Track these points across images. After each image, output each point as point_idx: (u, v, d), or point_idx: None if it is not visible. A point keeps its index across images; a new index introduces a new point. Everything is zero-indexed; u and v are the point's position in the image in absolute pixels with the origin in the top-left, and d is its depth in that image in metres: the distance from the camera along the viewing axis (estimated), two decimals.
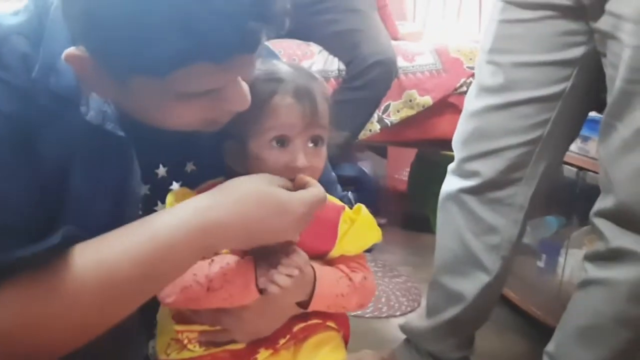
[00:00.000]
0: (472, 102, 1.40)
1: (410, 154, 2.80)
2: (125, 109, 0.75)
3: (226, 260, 0.76)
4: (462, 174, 1.41)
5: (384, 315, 1.87)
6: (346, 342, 0.88)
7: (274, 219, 0.70)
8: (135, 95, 0.70)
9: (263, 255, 0.76)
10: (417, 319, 1.57)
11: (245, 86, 0.75)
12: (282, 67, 0.82)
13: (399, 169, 3.08)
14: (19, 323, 0.65)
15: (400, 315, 1.87)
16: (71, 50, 0.68)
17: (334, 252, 0.84)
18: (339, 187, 0.97)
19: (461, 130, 1.43)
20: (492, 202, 1.38)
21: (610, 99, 1.19)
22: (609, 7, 1.15)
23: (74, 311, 0.66)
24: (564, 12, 1.24)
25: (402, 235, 2.52)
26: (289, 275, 0.73)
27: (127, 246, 0.66)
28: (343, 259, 0.85)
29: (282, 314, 0.82)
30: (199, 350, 0.79)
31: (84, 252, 0.67)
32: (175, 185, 0.85)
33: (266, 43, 0.88)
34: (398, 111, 2.19)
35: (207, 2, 0.61)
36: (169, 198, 0.79)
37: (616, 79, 1.16)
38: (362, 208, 0.86)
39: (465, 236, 1.41)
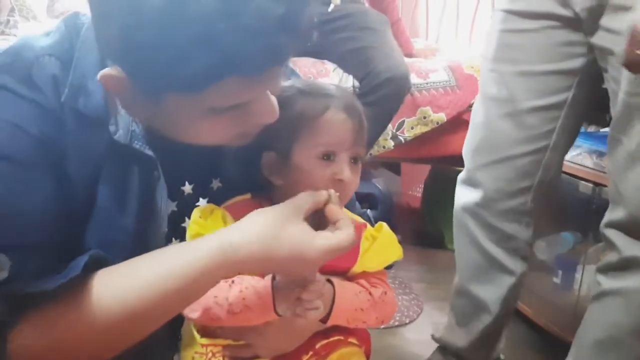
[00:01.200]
0: (478, 112, 1.43)
1: (424, 170, 2.81)
2: (156, 126, 0.76)
3: (245, 283, 0.76)
4: (473, 183, 1.44)
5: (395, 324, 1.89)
6: (367, 357, 0.88)
7: (293, 264, 0.70)
8: (169, 112, 0.71)
9: (282, 277, 0.77)
10: (449, 330, 1.59)
11: (273, 99, 0.75)
12: (325, 84, 0.85)
13: (412, 185, 3.08)
14: (46, 346, 0.67)
15: (398, 325, 1.89)
16: (107, 71, 0.69)
17: (356, 269, 0.85)
18: (357, 204, 0.98)
19: (470, 140, 1.46)
20: (506, 213, 1.41)
21: (614, 113, 1.20)
22: (603, 22, 1.18)
23: (100, 335, 0.68)
24: (564, 23, 1.26)
25: (416, 252, 2.51)
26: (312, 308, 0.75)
27: (153, 280, 0.68)
28: (364, 275, 0.86)
29: (304, 331, 0.83)
30: None
31: (110, 281, 0.69)
32: (201, 202, 0.86)
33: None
34: (412, 128, 2.20)
35: (236, 19, 0.61)
36: (195, 214, 0.79)
37: (619, 94, 1.18)
38: (383, 225, 0.88)
39: (485, 246, 1.45)
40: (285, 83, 0.83)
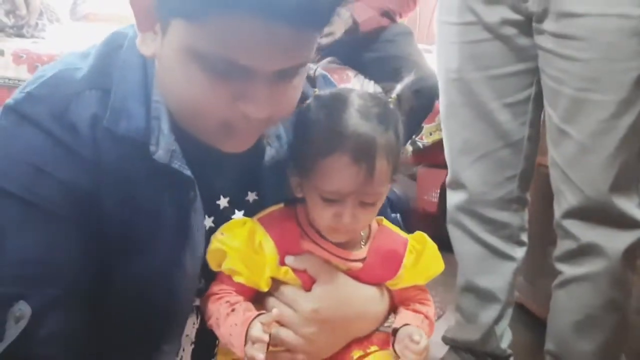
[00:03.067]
0: (449, 120, 1.55)
1: (440, 175, 2.82)
2: (165, 87, 0.73)
3: (238, 318, 0.77)
4: (460, 184, 1.56)
5: None
6: None
7: None
8: (172, 49, 0.69)
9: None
10: (459, 328, 1.66)
11: (287, 97, 0.72)
12: (351, 110, 0.75)
13: (428, 191, 3.09)
14: None
15: None
16: None
17: (402, 283, 0.86)
18: (388, 210, 0.97)
19: (449, 146, 1.57)
20: (496, 202, 1.53)
21: (557, 108, 1.33)
22: (549, 27, 1.29)
23: None
24: (517, 28, 1.37)
25: None
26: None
27: None
28: (416, 289, 0.88)
29: (347, 338, 0.84)
30: None
31: None
32: (237, 215, 0.85)
33: (321, 71, 0.89)
34: (431, 134, 2.24)
35: None
36: (221, 227, 0.81)
37: (563, 90, 1.30)
38: (426, 238, 0.88)
39: (483, 237, 1.56)
40: (315, 96, 0.80)
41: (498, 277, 1.58)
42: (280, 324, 0.80)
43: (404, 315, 0.86)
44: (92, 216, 0.72)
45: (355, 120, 0.74)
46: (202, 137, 0.75)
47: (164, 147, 0.74)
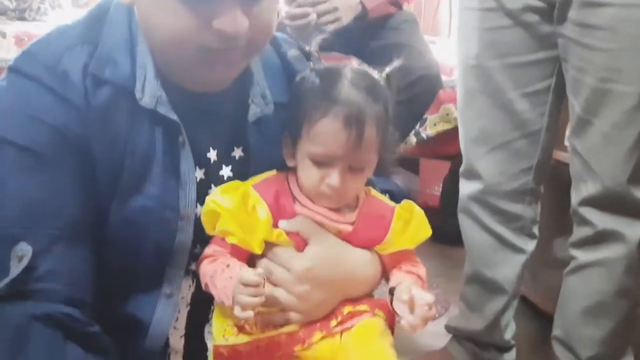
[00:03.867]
0: (466, 107, 1.52)
1: (443, 169, 2.82)
2: (146, 31, 0.77)
3: (234, 272, 0.79)
4: (474, 174, 1.53)
5: None
6: (392, 330, 0.90)
7: None
8: None
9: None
10: (463, 317, 1.65)
11: (260, 19, 0.75)
12: (344, 81, 0.81)
13: (431, 184, 3.09)
14: None
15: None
16: None
17: (391, 247, 0.88)
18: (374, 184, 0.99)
19: (465, 134, 1.54)
20: (510, 194, 1.50)
21: (579, 97, 1.31)
22: (572, 15, 1.27)
23: None
24: (539, 15, 1.34)
25: (434, 249, 2.53)
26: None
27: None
28: (406, 254, 0.89)
29: (339, 297, 0.85)
30: (256, 333, 0.82)
31: None
32: (225, 170, 0.88)
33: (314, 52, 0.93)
34: (435, 125, 2.23)
35: None
36: (218, 188, 0.84)
37: (585, 80, 1.29)
38: (413, 205, 0.90)
39: (494, 228, 1.53)
40: (311, 69, 0.85)
41: (507, 269, 1.57)
42: (274, 284, 0.83)
43: (397, 276, 0.88)
44: (84, 159, 0.76)
45: (347, 89, 0.80)
46: (186, 78, 0.79)
47: (149, 93, 0.78)
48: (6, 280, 0.71)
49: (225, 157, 0.88)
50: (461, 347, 1.65)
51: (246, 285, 0.75)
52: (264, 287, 0.76)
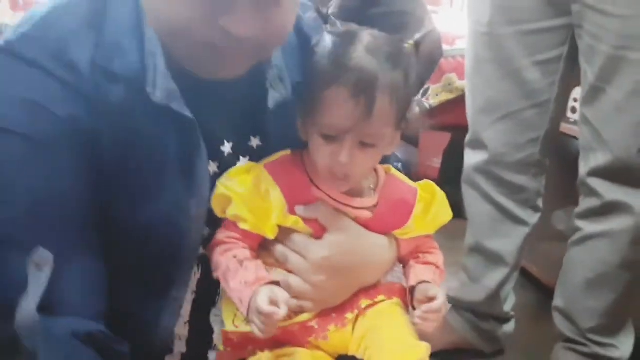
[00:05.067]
0: (475, 75, 1.49)
1: (443, 140, 2.80)
2: (152, 15, 0.70)
3: (248, 276, 0.75)
4: (480, 143, 1.51)
5: None
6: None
7: None
8: None
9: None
10: (463, 287, 1.64)
11: (276, 17, 0.69)
12: (357, 46, 0.73)
13: (430, 157, 3.08)
14: None
15: None
16: None
17: (415, 232, 0.84)
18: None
19: (472, 103, 1.52)
20: (515, 165, 1.49)
21: (593, 65, 1.29)
22: None
23: None
24: None
25: None
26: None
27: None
28: (423, 238, 0.86)
29: (355, 287, 0.82)
30: None
31: None
32: (242, 161, 0.83)
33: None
34: (437, 95, 2.21)
35: None
36: (227, 172, 0.78)
37: (600, 47, 1.27)
38: (434, 187, 0.85)
39: (497, 200, 1.53)
40: (326, 32, 0.78)
41: (509, 241, 1.56)
42: (289, 271, 0.79)
43: (416, 271, 0.84)
44: (93, 156, 0.70)
45: (360, 54, 0.72)
46: (192, 64, 0.72)
47: (161, 86, 0.71)
48: (39, 293, 0.63)
49: (242, 148, 0.83)
50: (461, 318, 1.65)
51: (259, 313, 0.71)
52: (282, 312, 0.70)
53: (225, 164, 0.81)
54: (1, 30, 1.89)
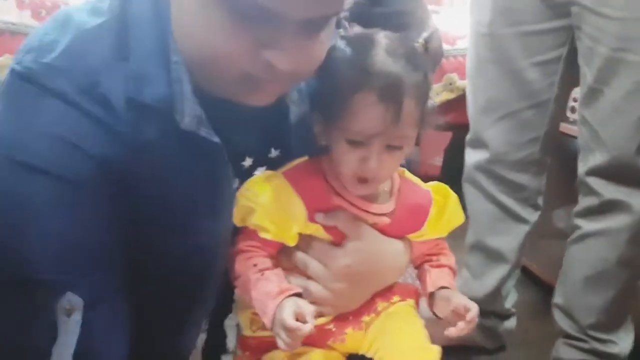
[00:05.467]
0: (476, 76, 1.51)
1: (444, 140, 2.82)
2: (184, 38, 0.67)
3: (269, 288, 0.75)
4: (481, 143, 1.54)
5: None
6: None
7: None
8: None
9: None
10: (465, 284, 1.65)
11: (314, 51, 0.68)
12: (378, 49, 0.73)
13: (432, 155, 3.09)
14: None
15: None
16: None
17: (429, 235, 0.85)
18: None
19: (473, 103, 1.55)
20: (516, 164, 1.51)
21: (592, 67, 1.31)
22: None
23: None
24: None
25: None
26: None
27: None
28: (434, 241, 0.88)
29: (372, 290, 0.83)
30: None
31: None
32: (260, 170, 0.83)
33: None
34: (438, 94, 2.22)
35: None
36: (251, 182, 0.78)
37: (598, 49, 1.29)
38: (448, 190, 0.86)
39: (498, 198, 1.56)
40: (341, 37, 0.77)
41: (510, 239, 1.58)
42: (309, 277, 0.80)
43: (433, 276, 0.85)
44: (126, 195, 0.68)
45: (382, 58, 0.72)
46: (223, 91, 0.70)
47: (189, 113, 0.69)
48: (71, 342, 0.62)
49: (261, 160, 0.83)
50: None
51: (285, 329, 0.71)
52: (308, 328, 0.70)
53: (245, 178, 0.80)
54: (26, 32, 1.90)
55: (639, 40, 1.25)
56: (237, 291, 0.84)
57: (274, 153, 0.84)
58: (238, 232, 0.81)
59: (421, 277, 0.88)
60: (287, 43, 0.64)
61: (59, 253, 0.64)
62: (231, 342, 0.85)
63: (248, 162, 0.82)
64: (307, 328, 0.69)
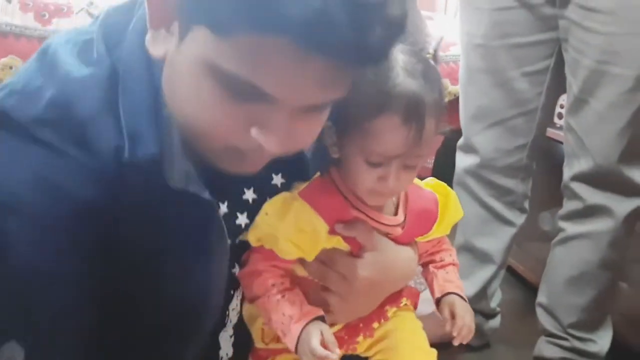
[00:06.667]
0: (468, 85, 1.58)
1: (436, 142, 2.85)
2: (174, 102, 0.65)
3: (291, 310, 0.75)
4: (472, 148, 1.60)
5: None
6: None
7: None
8: (187, 59, 0.60)
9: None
10: None
11: (310, 131, 0.66)
12: (397, 69, 0.70)
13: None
14: None
15: None
16: None
17: (434, 235, 0.88)
18: None
19: (465, 110, 1.61)
20: (504, 169, 1.58)
21: (577, 78, 1.38)
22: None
23: None
24: None
25: None
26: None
27: None
28: (437, 239, 0.91)
29: (384, 295, 0.85)
30: None
31: None
32: (248, 193, 0.81)
33: None
34: None
35: None
36: (263, 210, 0.77)
37: (583, 61, 1.35)
38: (447, 188, 0.87)
39: (487, 201, 1.62)
40: None
41: (496, 241, 1.65)
42: (326, 288, 0.81)
43: (439, 280, 0.88)
44: (112, 245, 0.65)
45: (402, 78, 0.70)
46: (207, 156, 0.68)
47: (178, 170, 0.66)
48: None
49: (265, 189, 0.81)
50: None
51: (315, 356, 0.71)
52: (335, 357, 0.71)
53: (252, 211, 0.79)
54: (29, 34, 1.89)
55: (622, 54, 1.31)
56: (245, 306, 0.84)
57: (276, 179, 0.83)
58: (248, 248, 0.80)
59: (428, 280, 0.91)
60: (280, 126, 0.61)
61: (16, 297, 0.61)
62: (225, 352, 0.84)
63: (250, 194, 0.80)
64: (334, 358, 0.70)
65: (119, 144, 0.64)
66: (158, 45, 0.63)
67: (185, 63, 0.61)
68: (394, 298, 0.85)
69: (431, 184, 0.87)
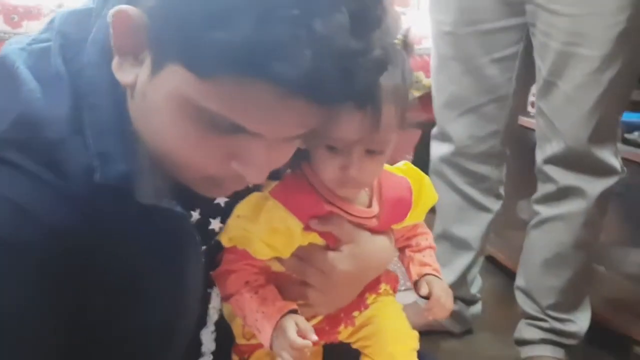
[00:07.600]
0: (439, 73, 1.60)
1: (414, 136, 2.88)
2: (146, 132, 0.63)
3: (259, 307, 0.75)
4: (446, 136, 1.62)
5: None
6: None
7: None
8: (160, 94, 0.59)
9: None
10: None
11: (286, 155, 0.66)
12: None
13: (402, 152, 3.15)
14: None
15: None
16: (125, 7, 0.57)
17: (409, 221, 0.86)
18: None
19: (438, 98, 1.63)
20: (479, 156, 1.60)
21: (546, 61, 1.40)
22: None
23: None
24: None
25: None
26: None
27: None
28: (417, 227, 0.90)
29: (364, 284, 0.84)
30: None
31: None
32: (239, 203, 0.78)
33: None
34: None
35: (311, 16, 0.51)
36: (235, 212, 0.76)
37: (551, 44, 1.37)
38: (420, 173, 0.86)
39: (463, 189, 1.64)
40: None
41: (474, 227, 1.67)
42: (305, 282, 0.80)
43: (415, 264, 0.89)
44: (83, 269, 0.62)
45: None
46: (182, 180, 0.67)
47: (147, 184, 0.64)
48: None
49: (238, 192, 0.78)
50: None
51: (294, 348, 0.70)
52: (313, 339, 0.71)
53: (226, 215, 0.78)
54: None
55: (587, 35, 1.33)
56: (225, 303, 0.83)
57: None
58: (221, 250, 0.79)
59: (404, 264, 0.91)
60: (260, 158, 0.61)
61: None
62: (207, 348, 0.84)
63: (222, 199, 0.79)
64: (311, 342, 0.70)
65: (90, 164, 0.61)
66: (126, 73, 0.61)
67: (160, 98, 0.59)
68: (372, 285, 0.85)
69: (403, 169, 0.86)
